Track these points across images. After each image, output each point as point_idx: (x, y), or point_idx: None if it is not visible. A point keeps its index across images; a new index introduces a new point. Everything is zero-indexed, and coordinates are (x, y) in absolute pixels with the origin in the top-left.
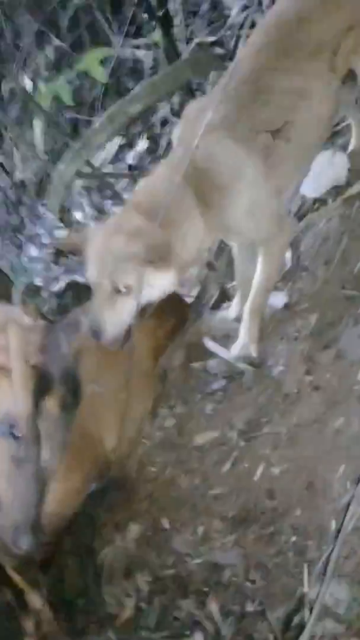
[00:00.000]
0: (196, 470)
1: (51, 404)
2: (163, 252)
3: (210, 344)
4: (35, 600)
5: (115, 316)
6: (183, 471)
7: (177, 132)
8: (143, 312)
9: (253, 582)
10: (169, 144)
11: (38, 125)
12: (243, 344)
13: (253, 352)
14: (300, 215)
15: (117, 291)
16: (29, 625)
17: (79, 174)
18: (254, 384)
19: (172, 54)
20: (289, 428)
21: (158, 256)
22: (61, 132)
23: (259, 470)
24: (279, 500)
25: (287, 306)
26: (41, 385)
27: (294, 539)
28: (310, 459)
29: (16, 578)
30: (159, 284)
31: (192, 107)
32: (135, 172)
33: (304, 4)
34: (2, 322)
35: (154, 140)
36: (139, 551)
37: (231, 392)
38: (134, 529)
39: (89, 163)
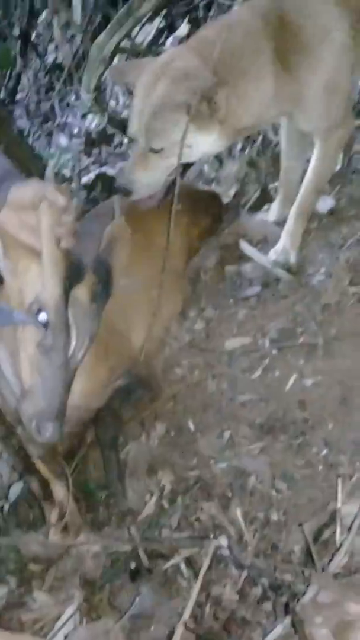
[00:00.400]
0: (224, 374)
1: (81, 293)
2: (210, 105)
3: (247, 248)
4: (59, 490)
5: (147, 176)
6: (211, 375)
7: None
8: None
9: (279, 491)
10: None
11: None
12: (282, 248)
13: (292, 258)
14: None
15: (151, 149)
16: (52, 514)
17: (118, 49)
18: (291, 291)
19: None
20: (325, 340)
21: (203, 109)
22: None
23: (291, 380)
24: (310, 412)
25: (333, 211)
26: (72, 271)
27: (324, 452)
28: (346, 373)
29: (41, 468)
30: (201, 144)
31: None
32: None
33: None
34: (35, 200)
35: (196, 24)
36: (163, 450)
37: (266, 298)
38: (159, 428)
39: (129, 37)
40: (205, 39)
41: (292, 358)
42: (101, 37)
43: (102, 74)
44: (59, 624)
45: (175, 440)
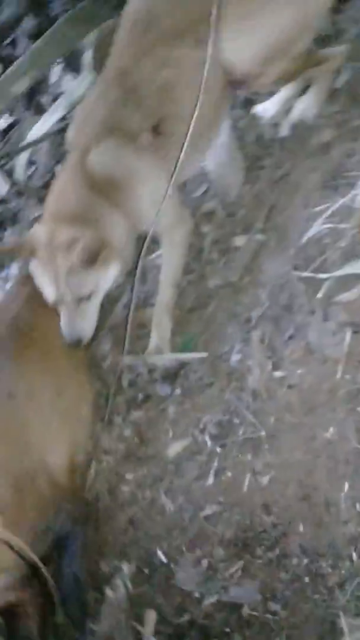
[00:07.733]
0: (176, 487)
1: None
2: (98, 248)
3: (127, 358)
4: None
5: (87, 320)
6: (163, 490)
7: (70, 134)
8: None
9: (275, 613)
10: None
11: None
12: (156, 346)
13: (167, 351)
14: None
15: (81, 300)
16: None
17: None
18: (214, 377)
19: None
20: (267, 432)
21: (96, 254)
22: None
23: (246, 481)
24: (277, 515)
25: None
26: None
27: (305, 561)
28: (297, 466)
29: None
30: (109, 275)
31: (79, 109)
32: None
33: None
34: None
35: None
36: (141, 591)
37: (190, 389)
38: (129, 568)
39: None
40: (58, 210)
41: (240, 454)
42: None
43: None
44: None
45: (151, 578)
